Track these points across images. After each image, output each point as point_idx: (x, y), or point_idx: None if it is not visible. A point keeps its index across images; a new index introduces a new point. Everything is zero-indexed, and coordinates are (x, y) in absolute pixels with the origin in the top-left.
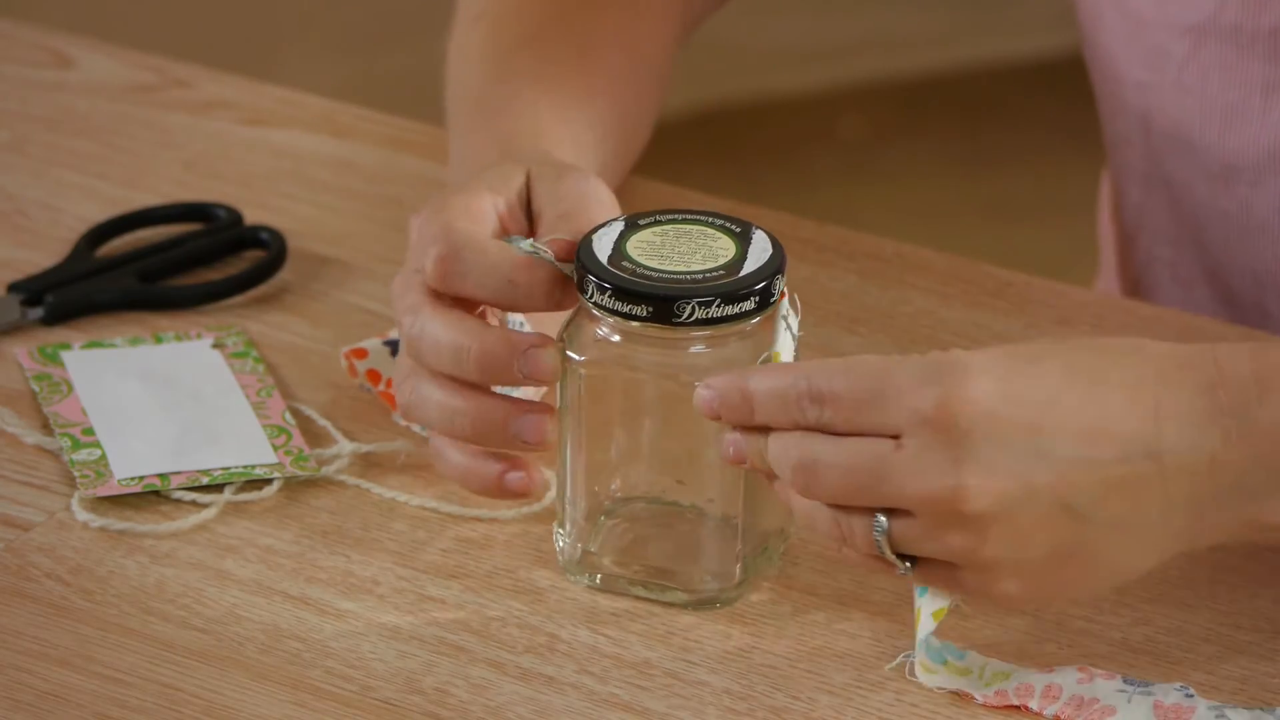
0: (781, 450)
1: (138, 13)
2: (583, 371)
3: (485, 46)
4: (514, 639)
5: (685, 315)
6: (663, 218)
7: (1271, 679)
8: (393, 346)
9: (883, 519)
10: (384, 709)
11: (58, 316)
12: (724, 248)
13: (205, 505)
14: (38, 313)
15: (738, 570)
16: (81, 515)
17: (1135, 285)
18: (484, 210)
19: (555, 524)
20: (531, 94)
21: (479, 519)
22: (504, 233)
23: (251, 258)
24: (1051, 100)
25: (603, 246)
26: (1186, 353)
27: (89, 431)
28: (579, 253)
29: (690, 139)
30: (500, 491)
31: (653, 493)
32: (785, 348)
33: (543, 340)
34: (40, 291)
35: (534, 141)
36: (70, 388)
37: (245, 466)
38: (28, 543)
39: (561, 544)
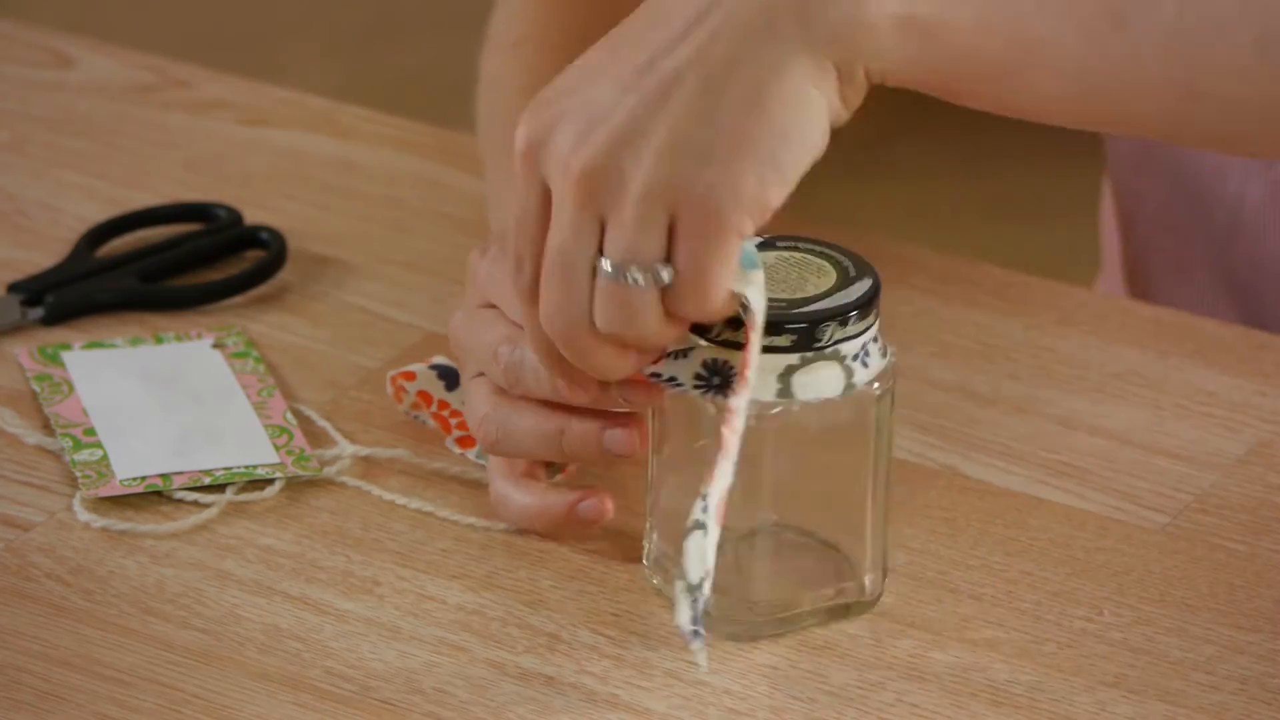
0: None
1: (138, 13)
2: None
3: (526, 79)
4: (514, 639)
5: (826, 338)
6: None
7: (1271, 679)
8: (438, 370)
9: (605, 263)
10: (384, 709)
11: (58, 316)
12: (817, 270)
13: (206, 505)
14: (38, 313)
15: (867, 583)
16: (83, 516)
17: (1134, 273)
18: None
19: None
20: None
21: (479, 519)
22: None
23: (251, 258)
24: None
25: None
26: None
27: (90, 432)
28: None
29: None
30: (573, 523)
31: (762, 518)
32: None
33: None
34: (40, 291)
35: None
36: (71, 388)
37: (247, 466)
38: (28, 543)
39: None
